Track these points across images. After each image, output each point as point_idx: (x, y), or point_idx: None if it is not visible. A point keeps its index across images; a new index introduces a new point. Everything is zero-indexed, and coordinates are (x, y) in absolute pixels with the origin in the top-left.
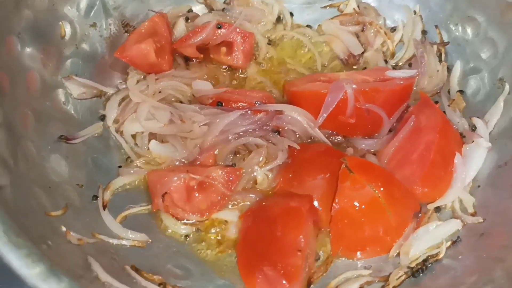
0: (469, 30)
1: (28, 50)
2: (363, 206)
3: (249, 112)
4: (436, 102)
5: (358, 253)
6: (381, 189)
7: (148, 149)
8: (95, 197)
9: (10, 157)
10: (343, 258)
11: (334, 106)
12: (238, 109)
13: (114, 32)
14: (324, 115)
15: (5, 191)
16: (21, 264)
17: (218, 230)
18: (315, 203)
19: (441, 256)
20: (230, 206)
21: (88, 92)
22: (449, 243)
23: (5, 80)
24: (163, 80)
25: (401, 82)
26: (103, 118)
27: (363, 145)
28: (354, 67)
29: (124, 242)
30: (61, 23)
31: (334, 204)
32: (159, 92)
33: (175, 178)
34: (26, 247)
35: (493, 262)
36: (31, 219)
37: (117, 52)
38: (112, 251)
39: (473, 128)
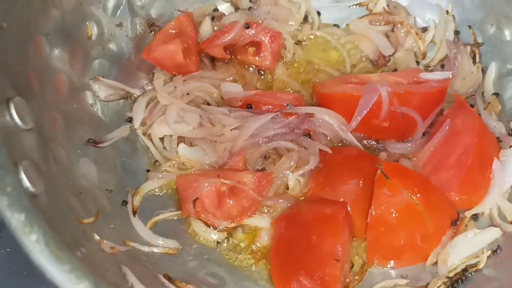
0: (506, 31)
1: (56, 51)
2: (399, 213)
3: (279, 115)
4: (472, 106)
5: (394, 261)
6: (418, 195)
7: (177, 152)
8: (125, 202)
9: (42, 162)
10: (378, 267)
11: (368, 109)
12: (268, 112)
13: (140, 32)
14: (358, 118)
15: (41, 199)
16: (65, 280)
17: (249, 236)
18: (354, 207)
19: (481, 266)
20: (261, 212)
21: (115, 94)
22: (489, 252)
23: (34, 80)
24: (191, 81)
25: (436, 84)
26: (130, 120)
27: (397, 149)
28: (384, 68)
29: (155, 249)
30: (88, 23)
31: (370, 211)
32: (187, 94)
33: (206, 184)
34: (69, 262)
35: None
36: (65, 226)
37: (143, 53)
38: (144, 259)
39: (510, 133)
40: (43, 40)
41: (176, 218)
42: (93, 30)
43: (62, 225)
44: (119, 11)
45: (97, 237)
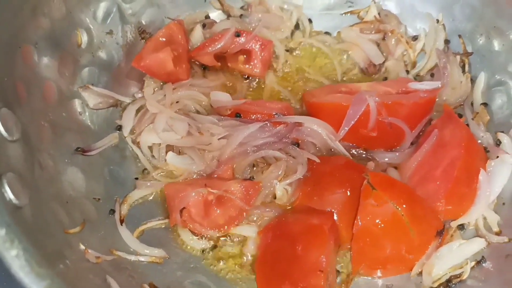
0: (495, 41)
1: (45, 59)
2: (385, 224)
3: (268, 124)
4: (460, 115)
5: (379, 271)
6: (404, 206)
7: (166, 161)
8: (112, 211)
9: (28, 173)
10: (363, 276)
11: (356, 119)
12: (257, 121)
13: (130, 39)
14: (346, 128)
15: (25, 211)
16: None
17: (236, 246)
18: (335, 218)
19: (465, 276)
20: (248, 221)
21: (104, 102)
22: (473, 263)
23: (22, 90)
24: (181, 89)
25: (425, 95)
26: (119, 128)
27: (385, 159)
28: (374, 76)
29: (141, 258)
30: (77, 31)
31: (356, 221)
32: (177, 102)
33: (193, 193)
34: (48, 278)
35: None
36: (49, 237)
37: (134, 62)
38: (130, 268)
39: (498, 143)
40: (32, 49)
41: (163, 226)
42: (83, 38)
43: (45, 237)
44: (109, 19)
45: (82, 247)
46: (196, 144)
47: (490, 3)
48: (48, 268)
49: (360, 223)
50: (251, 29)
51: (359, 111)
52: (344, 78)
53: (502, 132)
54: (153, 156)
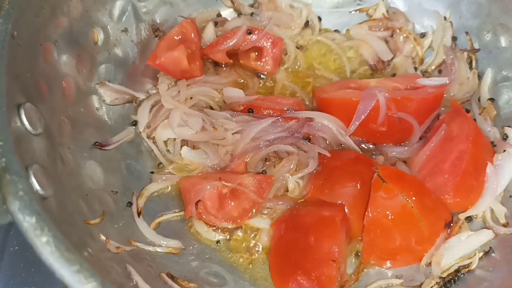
0: (502, 38)
1: (63, 57)
2: (395, 216)
3: (280, 119)
4: (467, 110)
5: (389, 262)
6: (414, 198)
7: (180, 155)
8: (130, 203)
9: (51, 166)
10: (374, 267)
11: (366, 114)
12: (269, 116)
13: (145, 37)
14: (356, 123)
15: (50, 202)
16: (74, 280)
17: (250, 237)
18: (351, 210)
19: (473, 266)
20: (261, 214)
21: (121, 97)
22: (481, 253)
23: (44, 87)
24: (194, 86)
25: (433, 90)
26: (135, 123)
27: (394, 153)
28: (383, 72)
29: (159, 249)
30: (94, 29)
31: (366, 213)
32: (191, 98)
33: (208, 186)
34: (77, 263)
35: None
36: (73, 227)
37: (149, 60)
38: (148, 259)
39: (505, 137)
40: (52, 47)
41: (179, 218)
42: (99, 36)
43: (69, 227)
44: (124, 17)
45: (103, 237)
46: (210, 139)
47: (496, 0)
48: (76, 254)
49: (370, 215)
50: (262, 27)
51: (369, 106)
52: (353, 75)
53: (509, 126)
54: (168, 150)
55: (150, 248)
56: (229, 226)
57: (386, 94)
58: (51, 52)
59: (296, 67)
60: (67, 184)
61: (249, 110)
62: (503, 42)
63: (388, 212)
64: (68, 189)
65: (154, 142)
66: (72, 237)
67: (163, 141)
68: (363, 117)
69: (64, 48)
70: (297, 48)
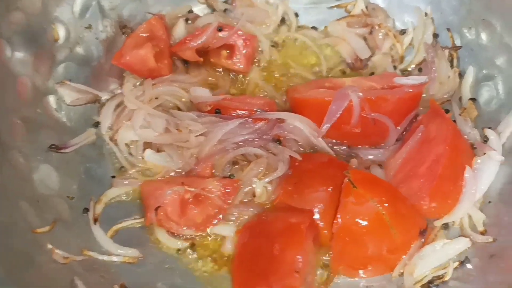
0: (483, 35)
1: (18, 55)
2: (366, 223)
3: (249, 120)
4: (447, 111)
5: (360, 271)
6: (386, 205)
7: (143, 158)
8: (86, 210)
9: None
10: (344, 277)
11: (338, 115)
12: (237, 117)
13: (111, 34)
14: (328, 124)
15: None
16: None
17: (213, 245)
18: (317, 217)
19: (447, 277)
20: (227, 220)
21: (82, 98)
22: (456, 263)
23: None
24: (161, 85)
25: (410, 90)
26: (97, 125)
27: (369, 156)
28: (361, 71)
29: (114, 258)
30: (54, 26)
31: (336, 220)
32: (156, 98)
33: (169, 191)
34: None
35: None
36: (15, 237)
37: (114, 59)
38: (102, 269)
39: (485, 140)
40: (4, 44)
41: (139, 225)
42: (60, 33)
43: (11, 236)
44: (88, 13)
45: (50, 246)
46: (173, 141)
47: None
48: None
49: (340, 221)
50: (236, 23)
51: (342, 107)
52: (330, 74)
53: (490, 128)
54: (130, 153)
55: (105, 258)
56: (192, 234)
57: (360, 94)
58: (2, 49)
59: (271, 65)
60: (12, 190)
61: (216, 110)
62: (485, 39)
63: (358, 219)
64: (13, 196)
65: (117, 145)
66: (14, 249)
67: (126, 143)
68: (335, 118)
69: (19, 46)
70: (272, 45)
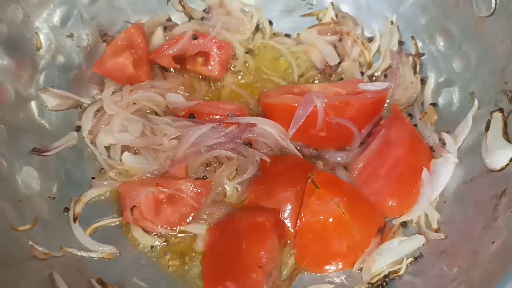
0: (444, 42)
1: (1, 63)
2: (327, 221)
3: (221, 125)
4: (411, 115)
5: (323, 267)
6: (346, 204)
7: (121, 160)
8: (67, 209)
9: None
10: (309, 272)
11: (303, 119)
12: (209, 121)
13: (92, 42)
14: (294, 129)
15: None
16: None
17: (186, 243)
18: (284, 216)
19: (402, 272)
20: (200, 219)
21: (64, 103)
22: (410, 259)
23: None
24: (138, 91)
25: (372, 95)
26: (78, 129)
27: (335, 158)
28: (331, 77)
29: (92, 254)
30: (36, 35)
31: (299, 218)
32: (134, 103)
33: (144, 192)
34: None
35: (447, 282)
36: None
37: (95, 67)
38: (80, 264)
39: (444, 142)
40: None
41: (117, 224)
42: (42, 42)
43: None
44: (69, 22)
45: (30, 243)
46: (149, 145)
47: (439, 5)
48: None
49: (304, 220)
50: (212, 31)
51: (307, 112)
52: (301, 79)
53: (448, 132)
54: (109, 156)
55: (83, 254)
56: (166, 232)
57: (324, 99)
58: None
59: (245, 71)
60: None
61: (190, 115)
62: (445, 46)
63: (320, 218)
64: None
65: (97, 147)
66: None
67: (105, 146)
68: (300, 122)
69: (2, 54)
70: (247, 52)
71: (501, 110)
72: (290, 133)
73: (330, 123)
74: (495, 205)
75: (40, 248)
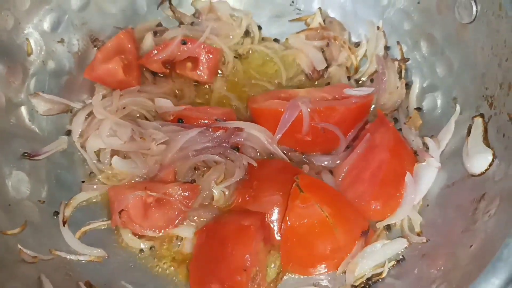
0: (428, 48)
1: None
2: (312, 225)
3: (209, 129)
4: (396, 120)
5: (307, 269)
6: (329, 208)
7: (111, 165)
8: (56, 213)
9: None
10: (294, 275)
11: (289, 124)
12: (197, 126)
13: (83, 48)
14: (280, 133)
15: None
16: None
17: (174, 246)
18: (271, 219)
19: (384, 275)
20: (186, 223)
21: (55, 108)
22: (393, 262)
23: None
24: (128, 96)
25: (357, 100)
26: (69, 133)
27: (320, 162)
28: (318, 81)
29: (81, 257)
30: (27, 40)
31: (284, 222)
32: (123, 108)
33: (132, 196)
34: None
35: (428, 283)
36: None
37: (85, 73)
38: (68, 267)
39: (428, 147)
40: None
41: (106, 227)
42: (33, 47)
43: None
44: (60, 28)
45: (19, 247)
46: (137, 149)
47: (423, 11)
48: None
49: (289, 223)
50: (202, 36)
51: (293, 117)
52: (289, 84)
53: (432, 136)
54: (98, 160)
55: (72, 257)
56: (154, 235)
57: (310, 104)
58: None
59: (234, 76)
60: None
61: (179, 120)
62: (429, 51)
63: (304, 221)
64: None
65: (86, 152)
66: None
67: (95, 151)
68: (285, 127)
69: None
70: (236, 57)
71: (481, 115)
72: (277, 137)
73: (315, 128)
74: (474, 209)
75: (29, 252)
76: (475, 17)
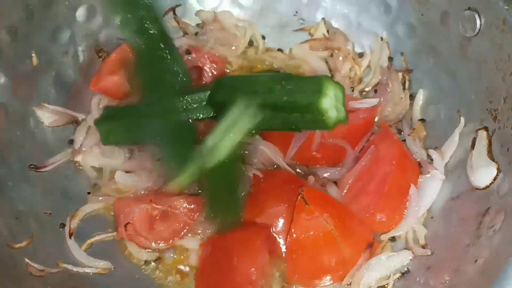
0: (431, 60)
1: None
2: (317, 237)
3: None
4: (400, 131)
5: (312, 281)
6: (334, 220)
7: (113, 178)
8: (63, 225)
9: None
10: (298, 286)
11: (303, 141)
12: None
13: (88, 58)
14: (295, 149)
15: None
16: None
17: (179, 257)
18: (276, 231)
19: (389, 287)
20: (191, 234)
21: (60, 119)
22: (398, 274)
23: None
24: None
25: (364, 115)
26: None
27: (326, 174)
28: None
29: (87, 270)
30: (33, 53)
31: (289, 234)
32: None
33: (137, 209)
34: None
35: None
36: None
37: (91, 84)
38: (75, 280)
39: (431, 159)
40: None
41: (112, 238)
42: (39, 59)
43: None
44: (66, 39)
45: (26, 261)
46: (137, 168)
47: (426, 23)
48: None
49: (295, 235)
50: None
51: (306, 134)
52: None
53: (435, 148)
54: (100, 173)
55: (79, 269)
56: (160, 247)
57: None
58: None
59: None
60: None
61: None
62: (433, 63)
63: (310, 233)
64: None
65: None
66: None
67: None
68: (300, 143)
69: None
70: (241, 67)
71: (486, 128)
72: (291, 153)
73: (323, 143)
74: (479, 223)
75: (36, 265)
76: (479, 30)
